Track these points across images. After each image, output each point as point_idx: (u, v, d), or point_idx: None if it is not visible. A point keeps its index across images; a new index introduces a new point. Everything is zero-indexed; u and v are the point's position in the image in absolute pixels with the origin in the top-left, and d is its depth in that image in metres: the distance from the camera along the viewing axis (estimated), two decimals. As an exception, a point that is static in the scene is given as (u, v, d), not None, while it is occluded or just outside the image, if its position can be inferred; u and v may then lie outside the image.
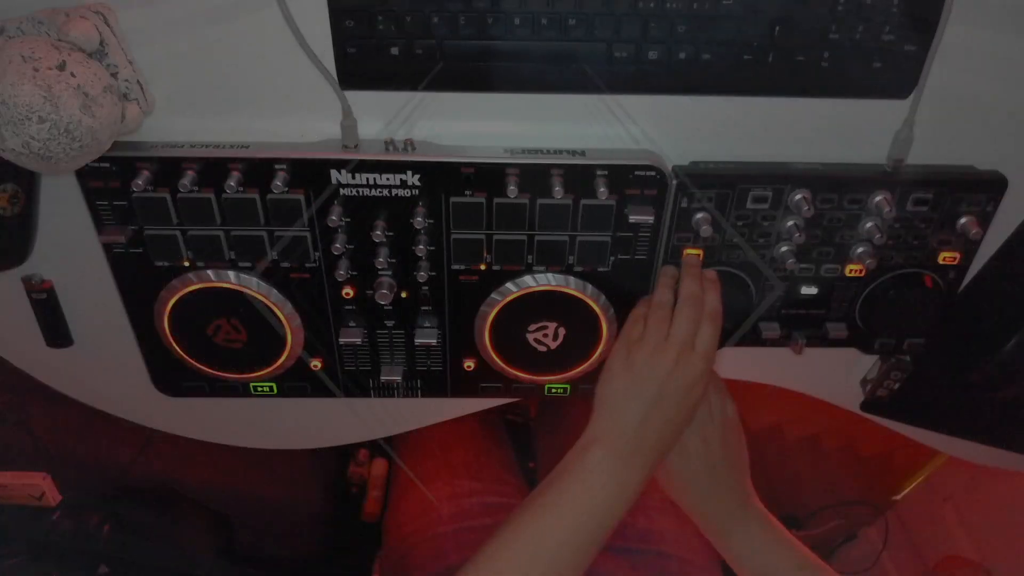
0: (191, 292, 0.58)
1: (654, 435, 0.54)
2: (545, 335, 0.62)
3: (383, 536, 0.93)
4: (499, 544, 0.52)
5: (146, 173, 0.52)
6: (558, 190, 0.53)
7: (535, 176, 0.53)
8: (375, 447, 1.44)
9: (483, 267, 0.58)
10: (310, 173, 0.53)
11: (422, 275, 0.58)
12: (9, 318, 0.64)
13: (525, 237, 0.56)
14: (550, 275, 0.59)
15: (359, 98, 0.53)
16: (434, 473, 0.91)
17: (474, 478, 0.90)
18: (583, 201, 0.55)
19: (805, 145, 0.57)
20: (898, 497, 1.65)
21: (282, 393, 0.66)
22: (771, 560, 0.59)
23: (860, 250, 0.59)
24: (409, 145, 0.53)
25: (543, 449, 1.06)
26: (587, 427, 0.56)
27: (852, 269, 0.60)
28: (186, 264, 0.57)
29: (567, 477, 0.54)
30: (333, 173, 0.53)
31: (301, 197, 0.54)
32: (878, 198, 0.56)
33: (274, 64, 0.52)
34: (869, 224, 0.57)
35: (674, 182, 0.55)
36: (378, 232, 0.55)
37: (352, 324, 0.61)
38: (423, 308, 0.61)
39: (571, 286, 0.59)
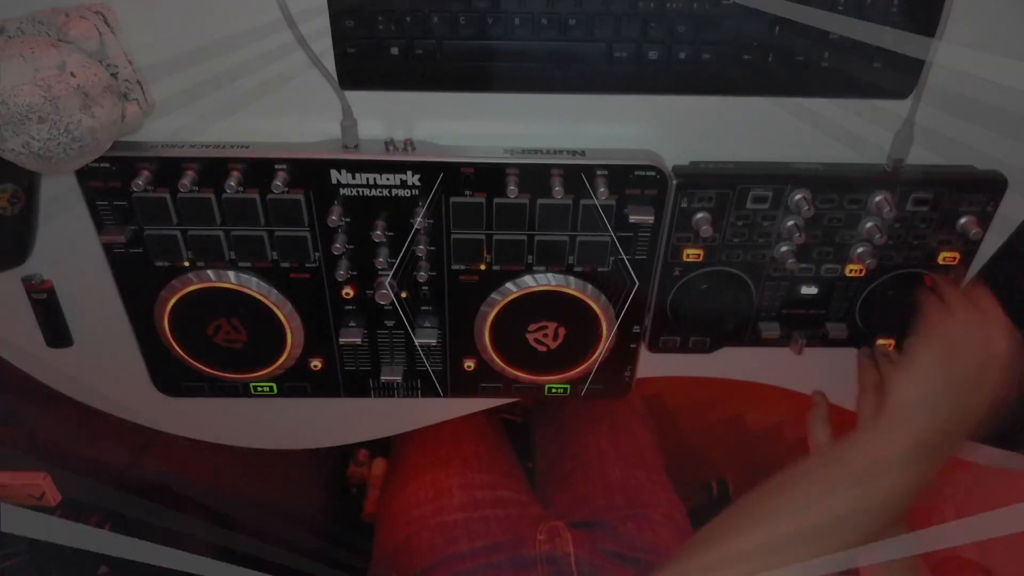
0: (191, 292, 0.58)
1: (952, 442, 0.52)
2: (545, 335, 0.62)
3: (382, 515, 0.91)
4: (792, 510, 0.48)
5: (146, 173, 0.52)
6: (558, 190, 0.53)
7: (535, 176, 0.53)
8: (375, 447, 1.44)
9: (483, 267, 0.58)
10: (310, 173, 0.53)
11: (422, 275, 0.58)
12: (9, 318, 0.64)
13: (525, 237, 0.56)
14: (550, 275, 0.59)
15: (359, 98, 0.53)
16: (446, 460, 0.90)
17: (487, 471, 0.89)
18: (583, 201, 0.55)
19: (805, 145, 0.57)
20: (898, 497, 1.65)
21: (282, 393, 0.66)
22: None
23: (860, 250, 0.59)
24: (409, 145, 0.53)
25: (541, 449, 1.05)
26: (887, 414, 0.53)
27: (852, 269, 0.60)
28: (186, 264, 0.57)
29: (869, 462, 0.50)
30: (333, 173, 0.53)
31: (301, 197, 0.54)
32: (878, 198, 0.56)
33: (274, 64, 0.52)
34: (869, 224, 0.57)
35: (674, 182, 0.55)
36: (378, 232, 0.55)
37: (352, 324, 0.61)
38: (423, 308, 0.61)
39: (571, 286, 0.59)
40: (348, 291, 0.59)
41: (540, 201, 0.54)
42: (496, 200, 0.54)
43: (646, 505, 0.87)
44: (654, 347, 0.65)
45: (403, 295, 0.60)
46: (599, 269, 0.58)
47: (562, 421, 1.03)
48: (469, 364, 0.64)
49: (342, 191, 0.54)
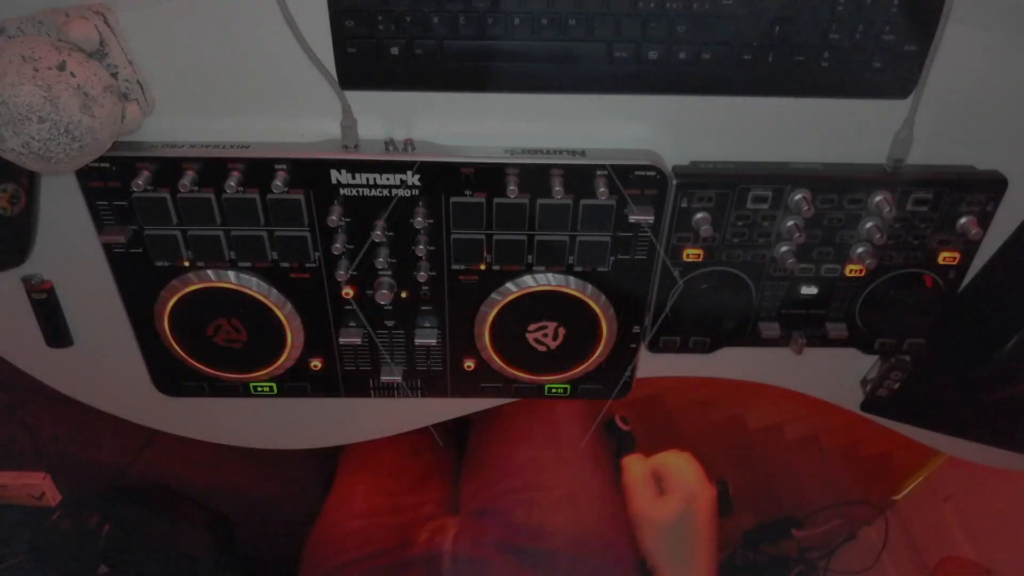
0: (191, 292, 0.58)
1: None
2: (545, 335, 0.62)
3: (307, 545, 0.88)
4: None
5: (146, 173, 0.52)
6: (558, 190, 0.53)
7: (535, 176, 0.53)
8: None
9: (483, 267, 0.58)
10: (310, 173, 0.53)
11: (422, 275, 0.58)
12: (9, 318, 0.64)
13: (525, 237, 0.56)
14: (550, 275, 0.59)
15: (359, 98, 0.53)
16: (359, 467, 0.90)
17: (396, 477, 0.88)
18: (583, 201, 0.55)
19: (805, 145, 0.57)
20: (898, 497, 1.66)
21: (282, 393, 0.66)
22: None
23: (860, 250, 0.59)
24: (409, 145, 0.53)
25: (470, 443, 1.00)
26: None
27: (852, 269, 0.60)
28: (186, 264, 0.57)
29: None
30: (333, 173, 0.53)
31: (301, 197, 0.54)
32: (878, 198, 0.56)
33: (274, 64, 0.52)
34: (869, 224, 0.57)
35: (674, 182, 0.55)
36: (378, 232, 0.55)
37: (352, 324, 0.61)
38: (423, 308, 0.61)
39: (571, 286, 0.59)
40: (348, 291, 0.59)
41: (540, 201, 0.55)
42: (496, 200, 0.54)
43: (541, 487, 0.84)
44: (654, 347, 0.65)
45: (403, 295, 0.60)
46: (599, 269, 0.58)
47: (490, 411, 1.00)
48: (469, 364, 0.64)
49: (342, 191, 0.54)
